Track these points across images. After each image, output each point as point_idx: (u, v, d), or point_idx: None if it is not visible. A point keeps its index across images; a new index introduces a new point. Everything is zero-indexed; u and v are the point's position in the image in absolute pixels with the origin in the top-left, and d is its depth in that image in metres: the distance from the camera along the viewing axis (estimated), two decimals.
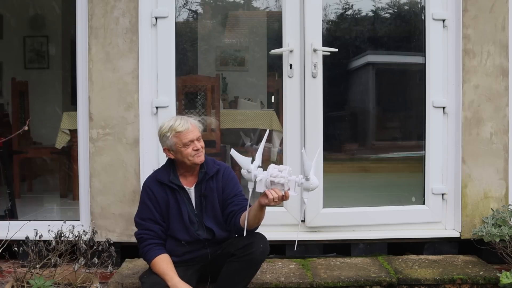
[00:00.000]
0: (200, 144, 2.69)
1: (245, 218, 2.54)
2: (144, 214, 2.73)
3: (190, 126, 2.67)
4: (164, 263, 2.64)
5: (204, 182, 2.74)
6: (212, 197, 2.74)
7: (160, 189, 2.73)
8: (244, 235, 2.53)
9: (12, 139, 4.72)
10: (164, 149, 2.74)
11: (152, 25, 3.35)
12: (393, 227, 3.50)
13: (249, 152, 4.55)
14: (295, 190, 2.46)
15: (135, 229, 2.78)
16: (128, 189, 3.31)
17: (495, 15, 3.39)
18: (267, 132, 2.56)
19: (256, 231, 2.67)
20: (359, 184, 4.21)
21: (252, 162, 2.45)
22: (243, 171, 2.45)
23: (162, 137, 2.71)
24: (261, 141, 2.50)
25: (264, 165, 2.52)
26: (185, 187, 2.74)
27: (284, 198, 2.45)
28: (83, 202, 3.40)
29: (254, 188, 2.45)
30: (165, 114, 3.34)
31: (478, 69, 3.39)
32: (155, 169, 2.92)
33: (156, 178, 2.76)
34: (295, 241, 3.36)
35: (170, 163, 2.77)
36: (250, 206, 2.57)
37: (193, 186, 2.75)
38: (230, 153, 2.47)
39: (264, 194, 2.45)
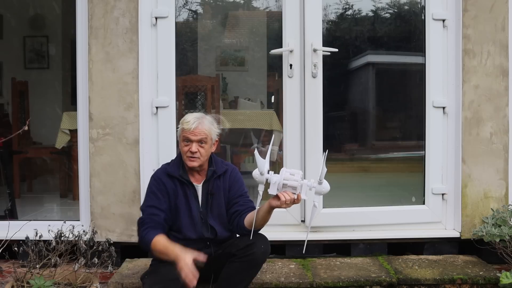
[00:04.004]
0: (198, 149, 2.67)
1: (250, 219, 2.54)
2: (151, 202, 2.70)
3: (195, 128, 2.65)
4: (162, 241, 2.60)
5: (212, 181, 2.75)
6: (219, 195, 2.74)
7: (171, 181, 2.72)
8: (251, 237, 2.53)
9: (12, 139, 4.72)
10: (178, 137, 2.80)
11: (152, 25, 3.35)
12: (393, 227, 3.49)
13: (249, 153, 4.55)
14: (306, 194, 2.47)
15: (135, 229, 2.77)
16: (128, 189, 3.30)
17: (495, 15, 3.39)
18: (273, 137, 2.55)
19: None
20: (359, 184, 4.22)
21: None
22: (255, 173, 2.46)
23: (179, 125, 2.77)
24: (263, 142, 2.50)
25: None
26: (194, 183, 2.75)
27: (295, 201, 2.46)
28: (83, 202, 3.40)
29: (263, 190, 2.46)
30: (165, 114, 3.35)
31: (478, 69, 3.39)
32: (155, 169, 2.91)
33: (166, 171, 2.75)
34: (295, 241, 3.37)
35: (180, 158, 2.78)
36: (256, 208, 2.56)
37: (201, 184, 2.76)
38: (254, 153, 2.47)
39: (275, 197, 2.45)
